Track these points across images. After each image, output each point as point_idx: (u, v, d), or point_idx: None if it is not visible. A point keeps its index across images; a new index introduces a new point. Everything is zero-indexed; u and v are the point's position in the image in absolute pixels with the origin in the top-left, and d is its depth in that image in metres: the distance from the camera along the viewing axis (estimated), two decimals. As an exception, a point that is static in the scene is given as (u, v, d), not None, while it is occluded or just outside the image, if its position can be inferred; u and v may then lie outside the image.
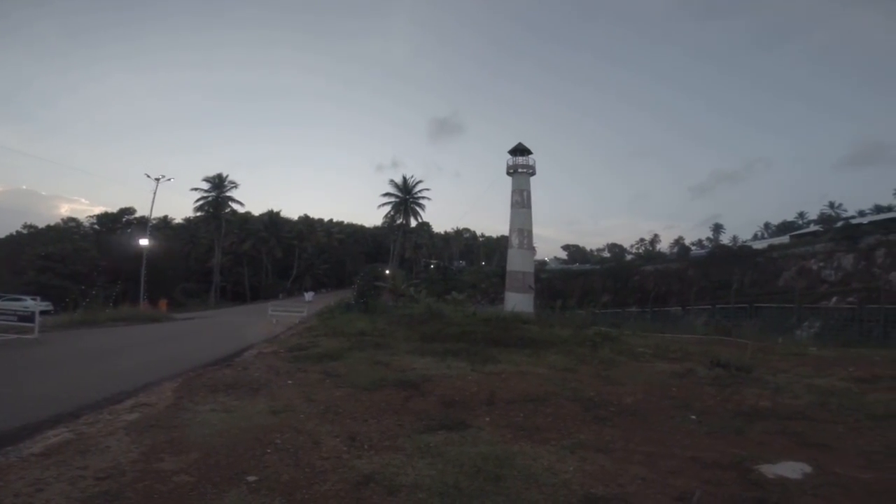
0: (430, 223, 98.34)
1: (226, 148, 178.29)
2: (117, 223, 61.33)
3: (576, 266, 76.29)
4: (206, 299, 50.77)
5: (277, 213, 69.50)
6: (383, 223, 68.70)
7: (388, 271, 47.81)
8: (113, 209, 64.14)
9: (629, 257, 71.74)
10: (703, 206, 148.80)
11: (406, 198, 59.61)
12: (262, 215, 69.49)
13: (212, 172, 56.20)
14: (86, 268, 38.09)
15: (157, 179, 39.11)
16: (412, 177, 61.29)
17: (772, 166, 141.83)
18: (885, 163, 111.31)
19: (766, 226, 76.39)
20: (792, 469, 3.49)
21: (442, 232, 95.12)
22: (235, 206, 57.82)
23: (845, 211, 59.01)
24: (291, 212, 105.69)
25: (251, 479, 3.34)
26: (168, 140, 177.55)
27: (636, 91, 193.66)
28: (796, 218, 69.04)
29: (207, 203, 55.07)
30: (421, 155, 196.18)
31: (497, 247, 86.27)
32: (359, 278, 25.52)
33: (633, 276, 53.89)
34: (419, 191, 60.30)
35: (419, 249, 73.44)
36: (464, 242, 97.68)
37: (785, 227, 68.09)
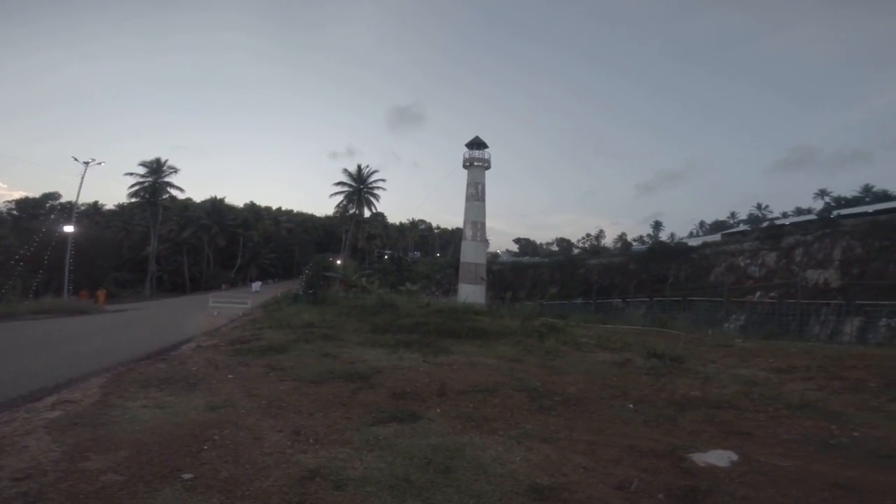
0: (386, 213, 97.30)
1: (170, 134, 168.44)
2: (40, 209, 56.02)
3: (526, 259, 78.20)
4: (141, 290, 47.62)
5: (221, 200, 66.14)
6: (335, 213, 67.07)
7: (339, 261, 46.88)
8: (35, 194, 58.76)
9: (576, 251, 74.43)
10: (647, 204, 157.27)
11: (360, 188, 58.46)
12: (204, 202, 65.83)
13: (155, 157, 52.33)
14: (2, 256, 34.49)
15: (87, 163, 35.87)
16: (367, 167, 59.90)
17: (712, 167, 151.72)
18: (812, 168, 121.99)
19: (701, 224, 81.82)
20: (720, 457, 3.72)
21: (397, 223, 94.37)
22: (175, 193, 54.47)
23: (771, 212, 64.55)
24: (238, 199, 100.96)
25: (187, 476, 3.18)
26: (107, 125, 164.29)
27: (591, 91, 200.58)
28: (728, 217, 74.55)
29: (143, 189, 51.52)
30: (379, 143, 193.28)
31: (452, 238, 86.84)
32: (307, 268, 24.79)
33: (579, 270, 56.00)
34: (374, 181, 59.34)
35: (372, 240, 72.35)
36: (419, 233, 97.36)
37: (718, 226, 73.22)
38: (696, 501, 2.94)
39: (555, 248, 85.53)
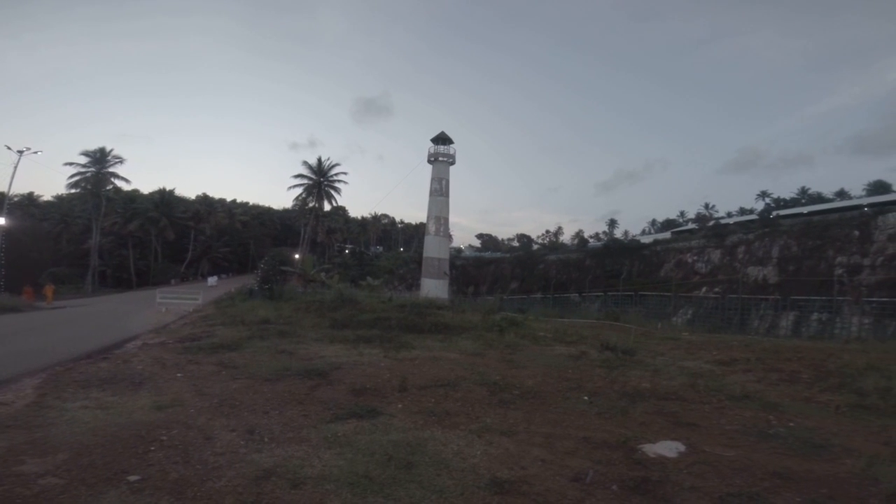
0: (347, 207, 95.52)
1: (118, 122, 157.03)
2: (-34, 201, 51.04)
3: (488, 254, 79.17)
4: (82, 285, 44.58)
5: (171, 192, 62.66)
6: (294, 206, 65.20)
7: (297, 256, 45.72)
8: (-40, 185, 53.48)
9: (536, 247, 76.01)
10: (605, 202, 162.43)
11: (320, 180, 57.05)
12: (152, 193, 62.20)
13: (99, 147, 48.77)
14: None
15: (20, 152, 33.07)
16: (328, 159, 58.31)
17: (668, 167, 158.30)
18: (758, 170, 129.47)
19: (653, 222, 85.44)
20: (669, 448, 3.90)
21: (359, 217, 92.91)
22: (120, 184, 51.08)
23: (717, 212, 68.32)
24: (191, 191, 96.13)
25: (133, 478, 3.04)
26: (48, 113, 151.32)
27: (556, 90, 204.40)
28: (678, 216, 78.26)
29: (85, 179, 48.03)
30: (343, 134, 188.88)
31: (416, 233, 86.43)
32: (263, 263, 23.94)
33: (539, 265, 57.28)
34: (335, 174, 58.06)
35: (333, 234, 70.94)
36: (382, 228, 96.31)
37: (668, 224, 76.78)
38: (647, 492, 3.07)
39: (515, 243, 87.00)
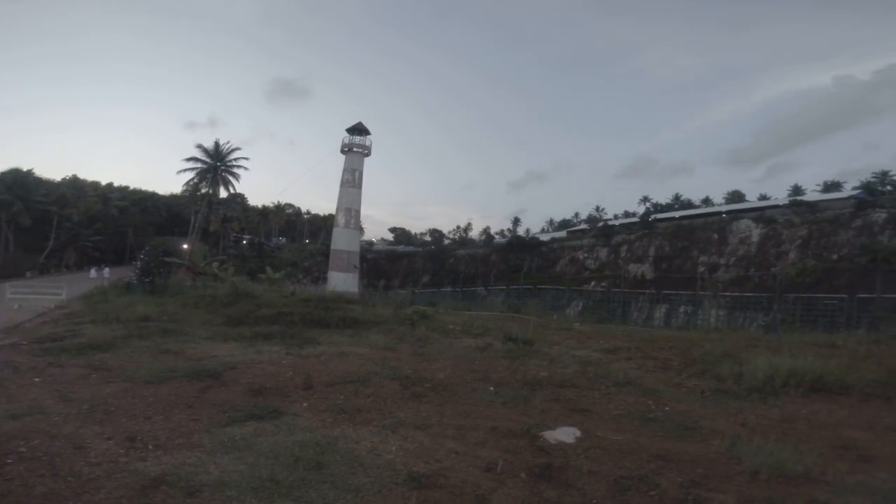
0: (248, 195, 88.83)
1: None
2: None
3: (401, 248, 78.89)
4: None
5: (28, 172, 52.79)
6: (184, 191, 58.93)
7: (185, 246, 41.52)
8: None
9: (447, 242, 77.48)
10: (515, 200, 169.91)
11: (217, 165, 52.14)
12: (3, 174, 51.96)
13: None
14: None
15: None
16: (228, 143, 53.31)
17: (573, 170, 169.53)
18: (648, 176, 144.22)
19: (551, 222, 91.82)
20: (567, 434, 4.15)
21: (260, 205, 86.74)
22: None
23: (606, 214, 75.56)
24: (57, 172, 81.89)
25: (-13, 496, 2.53)
26: None
27: (476, 90, 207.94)
28: (572, 217, 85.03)
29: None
30: (251, 115, 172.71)
31: (324, 225, 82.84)
32: (144, 253, 21.24)
33: (449, 259, 58.56)
34: (234, 158, 53.44)
35: (229, 223, 65.29)
36: (286, 218, 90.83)
37: (564, 224, 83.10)
38: (551, 478, 3.23)
39: (428, 238, 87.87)
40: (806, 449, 3.53)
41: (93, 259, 55.92)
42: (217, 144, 52.42)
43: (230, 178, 53.70)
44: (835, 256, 31.82)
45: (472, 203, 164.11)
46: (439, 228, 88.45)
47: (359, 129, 43.56)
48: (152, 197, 78.88)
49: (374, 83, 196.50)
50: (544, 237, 63.35)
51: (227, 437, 3.76)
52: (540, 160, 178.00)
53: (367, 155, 43.96)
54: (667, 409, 5.18)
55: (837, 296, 25.19)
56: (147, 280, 19.07)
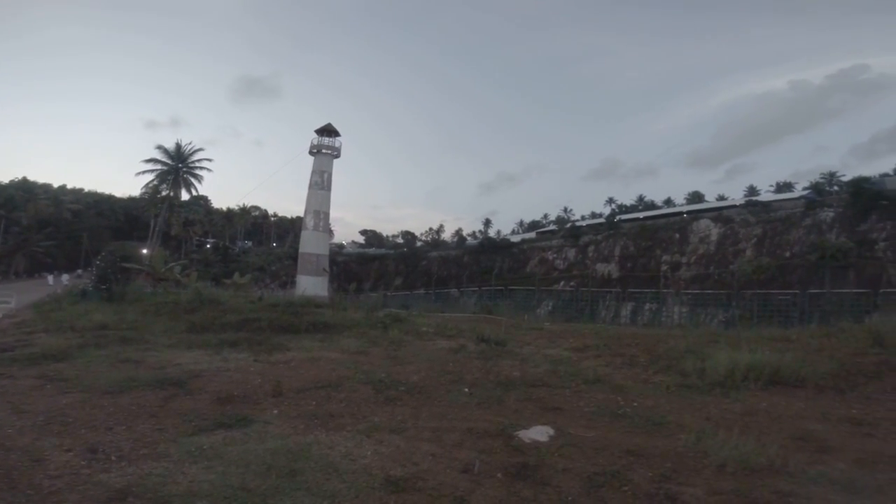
0: (211, 197, 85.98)
1: None
2: None
3: (372, 250, 78.12)
4: None
5: (-31, 172, 49.55)
6: (143, 194, 56.45)
7: (145, 251, 39.85)
8: None
9: (419, 244, 77.25)
10: (486, 202, 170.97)
11: (178, 166, 50.18)
12: (-55, 176, 48.46)
13: None
14: None
15: None
16: (190, 143, 51.33)
17: (544, 172, 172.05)
18: (614, 178, 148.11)
19: (521, 223, 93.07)
20: (540, 432, 4.19)
21: (224, 208, 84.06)
22: None
23: (574, 215, 77.22)
24: (5, 174, 76.79)
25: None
26: None
27: (448, 91, 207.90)
28: (542, 218, 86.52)
29: None
30: (216, 115, 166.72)
31: (292, 228, 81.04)
32: (100, 258, 20.22)
33: (422, 262, 58.45)
34: (197, 160, 51.57)
35: (191, 226, 62.96)
36: (251, 221, 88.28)
37: (533, 225, 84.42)
38: (527, 477, 3.26)
39: (400, 240, 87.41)
40: (768, 441, 3.67)
41: (44, 265, 52.83)
42: (179, 145, 50.56)
43: (192, 179, 51.88)
44: (787, 254, 33.59)
45: (445, 205, 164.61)
46: (411, 231, 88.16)
47: (328, 131, 42.93)
48: (109, 200, 75.38)
49: (345, 84, 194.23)
50: (515, 238, 64.16)
51: (195, 446, 3.64)
52: (511, 162, 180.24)
53: (337, 157, 43.35)
54: (635, 404, 5.29)
55: (791, 292, 26.59)
56: (104, 287, 18.15)
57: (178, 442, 3.73)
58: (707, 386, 5.94)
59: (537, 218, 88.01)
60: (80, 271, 36.77)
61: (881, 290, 23.99)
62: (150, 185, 50.90)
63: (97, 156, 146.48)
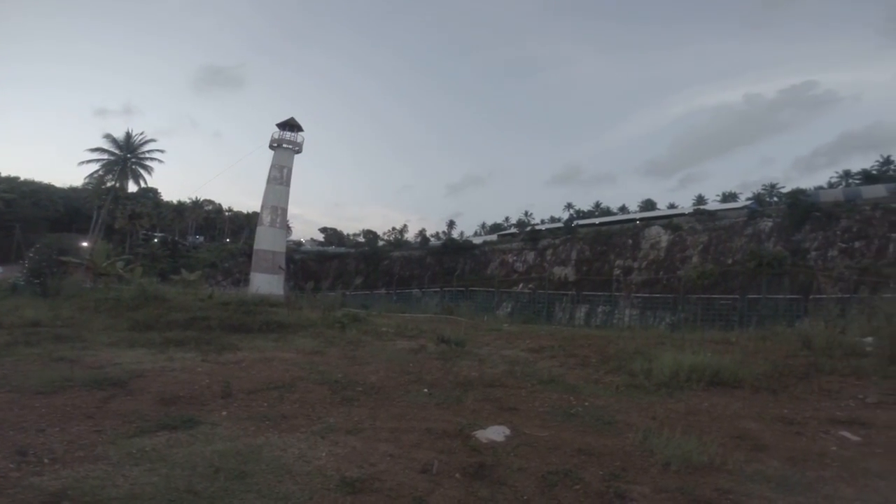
0: (162, 189, 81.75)
1: None
2: None
3: (332, 248, 76.59)
4: None
5: None
6: (85, 184, 52.87)
7: (85, 244, 37.33)
8: None
9: (382, 243, 76.44)
10: (453, 203, 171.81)
11: (126, 157, 47.30)
12: None
13: None
14: None
15: None
16: (142, 134, 48.60)
17: (509, 175, 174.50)
18: (576, 184, 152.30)
19: (483, 225, 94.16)
20: (497, 432, 4.22)
21: (175, 201, 79.97)
22: None
23: (534, 219, 78.95)
24: None
25: None
26: None
27: (417, 90, 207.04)
28: (503, 221, 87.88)
29: None
30: (174, 104, 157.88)
31: (247, 223, 78.07)
32: (33, 251, 18.73)
33: (383, 261, 57.90)
34: (148, 151, 48.80)
35: (138, 219, 59.38)
36: (204, 215, 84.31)
37: (495, 228, 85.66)
38: (484, 476, 3.28)
39: (361, 239, 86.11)
40: (708, 440, 3.82)
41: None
42: (129, 135, 47.84)
43: (142, 171, 49.25)
44: (730, 261, 35.74)
45: (411, 205, 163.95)
46: (374, 230, 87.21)
47: (290, 125, 41.83)
48: (47, 189, 70.03)
49: (313, 79, 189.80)
50: (477, 240, 64.83)
51: (136, 448, 3.45)
52: (479, 164, 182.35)
53: (298, 152, 42.30)
54: (586, 404, 5.42)
55: (731, 297, 28.30)
56: (37, 281, 16.80)
57: (117, 444, 3.53)
58: (654, 386, 6.15)
59: (500, 221, 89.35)
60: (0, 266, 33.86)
61: (811, 297, 25.97)
62: (95, 175, 47.87)
63: (38, 144, 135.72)
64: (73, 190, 67.04)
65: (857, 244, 31.74)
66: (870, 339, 7.36)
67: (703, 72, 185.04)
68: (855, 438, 4.21)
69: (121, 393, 4.94)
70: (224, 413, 4.48)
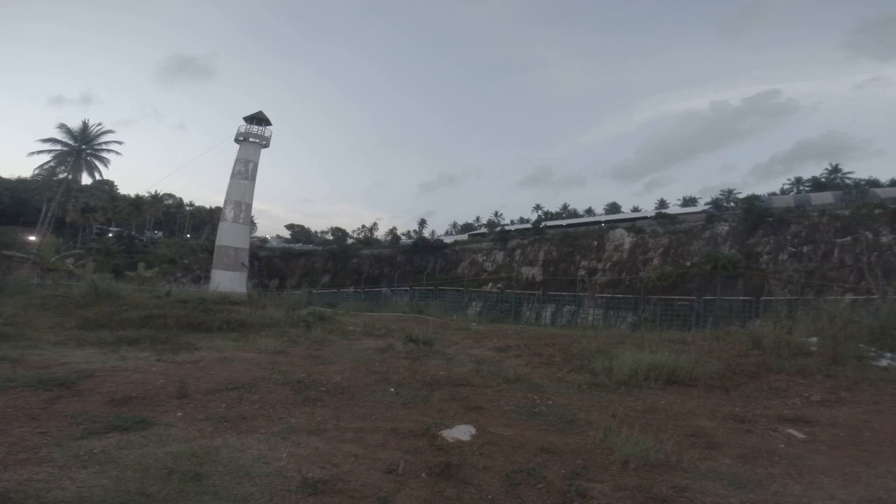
0: (120, 182, 77.92)
1: None
2: None
3: (299, 246, 74.96)
4: None
5: None
6: (35, 175, 49.82)
7: (33, 238, 35.17)
8: None
9: (350, 241, 75.41)
10: (426, 202, 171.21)
11: (81, 147, 44.80)
12: None
13: None
14: None
15: None
16: (99, 124, 46.17)
17: (481, 175, 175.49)
18: (546, 186, 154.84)
19: (454, 225, 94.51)
20: (463, 431, 4.24)
21: (133, 194, 76.28)
22: None
23: (504, 219, 79.96)
24: None
25: None
26: None
27: (391, 88, 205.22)
28: (474, 221, 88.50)
29: None
30: (137, 93, 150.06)
31: (209, 219, 75.43)
32: (-25, 243, 17.51)
33: (352, 259, 57.14)
34: (105, 142, 46.38)
35: (92, 213, 56.31)
36: (163, 209, 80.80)
37: (466, 228, 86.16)
38: (450, 476, 3.28)
39: (329, 236, 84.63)
40: (665, 438, 3.93)
41: None
42: (85, 125, 45.45)
43: (97, 163, 46.85)
44: (688, 263, 37.19)
45: (383, 203, 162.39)
46: (343, 227, 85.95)
47: (259, 119, 40.71)
48: (-8, 179, 65.35)
49: (285, 73, 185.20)
50: (448, 239, 64.95)
51: (84, 450, 3.29)
52: (453, 164, 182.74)
53: (265, 146, 41.24)
54: (550, 403, 5.48)
55: (689, 298, 29.47)
56: (-26, 276, 15.66)
57: (63, 446, 3.36)
58: (614, 384, 6.28)
59: (471, 220, 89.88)
60: None
61: (762, 298, 27.37)
62: (46, 166, 45.17)
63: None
64: (21, 181, 62.95)
65: (805, 248, 33.65)
66: (814, 339, 7.76)
67: (673, 78, 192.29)
68: (801, 436, 4.41)
69: (68, 394, 4.68)
70: (179, 414, 4.32)
